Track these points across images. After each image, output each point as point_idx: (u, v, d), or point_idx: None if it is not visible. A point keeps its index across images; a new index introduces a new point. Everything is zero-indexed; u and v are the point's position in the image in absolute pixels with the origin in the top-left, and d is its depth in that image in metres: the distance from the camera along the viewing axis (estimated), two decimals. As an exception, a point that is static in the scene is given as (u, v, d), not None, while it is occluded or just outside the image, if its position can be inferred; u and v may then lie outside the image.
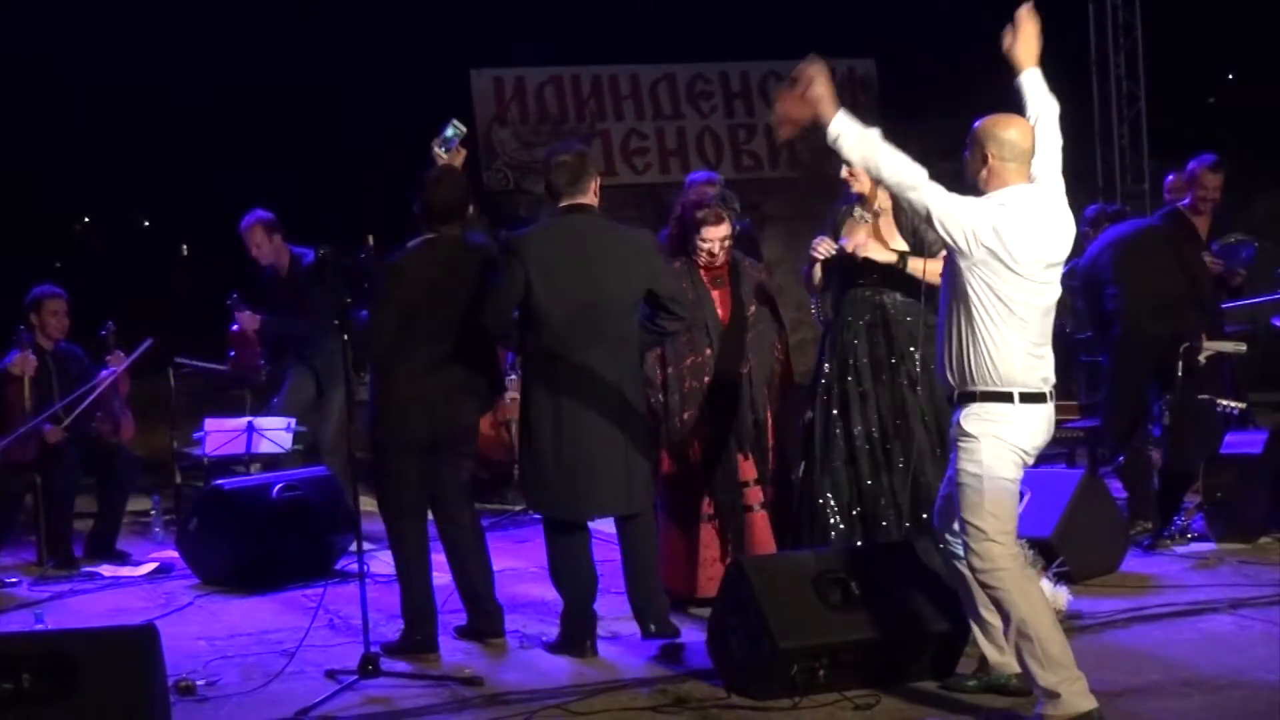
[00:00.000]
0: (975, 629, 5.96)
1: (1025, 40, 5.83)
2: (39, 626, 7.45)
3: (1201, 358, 9.54)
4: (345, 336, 6.73)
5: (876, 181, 5.63)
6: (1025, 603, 5.57)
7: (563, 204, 6.75)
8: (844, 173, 6.73)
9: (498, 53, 14.21)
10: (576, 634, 6.81)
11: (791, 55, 15.82)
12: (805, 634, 6.06)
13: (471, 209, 7.11)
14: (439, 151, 7.20)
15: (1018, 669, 5.80)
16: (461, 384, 6.91)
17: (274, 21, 13.16)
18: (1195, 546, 8.40)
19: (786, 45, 14.65)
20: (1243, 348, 10.43)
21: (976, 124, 5.70)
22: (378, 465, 7.05)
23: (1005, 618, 5.63)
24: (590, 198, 6.76)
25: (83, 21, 12.52)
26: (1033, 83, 5.82)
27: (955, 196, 5.54)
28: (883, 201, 6.76)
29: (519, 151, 14.29)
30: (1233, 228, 14.51)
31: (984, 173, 5.63)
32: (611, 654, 6.81)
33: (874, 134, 5.53)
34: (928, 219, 5.55)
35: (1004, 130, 5.62)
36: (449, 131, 7.24)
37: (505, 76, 14.37)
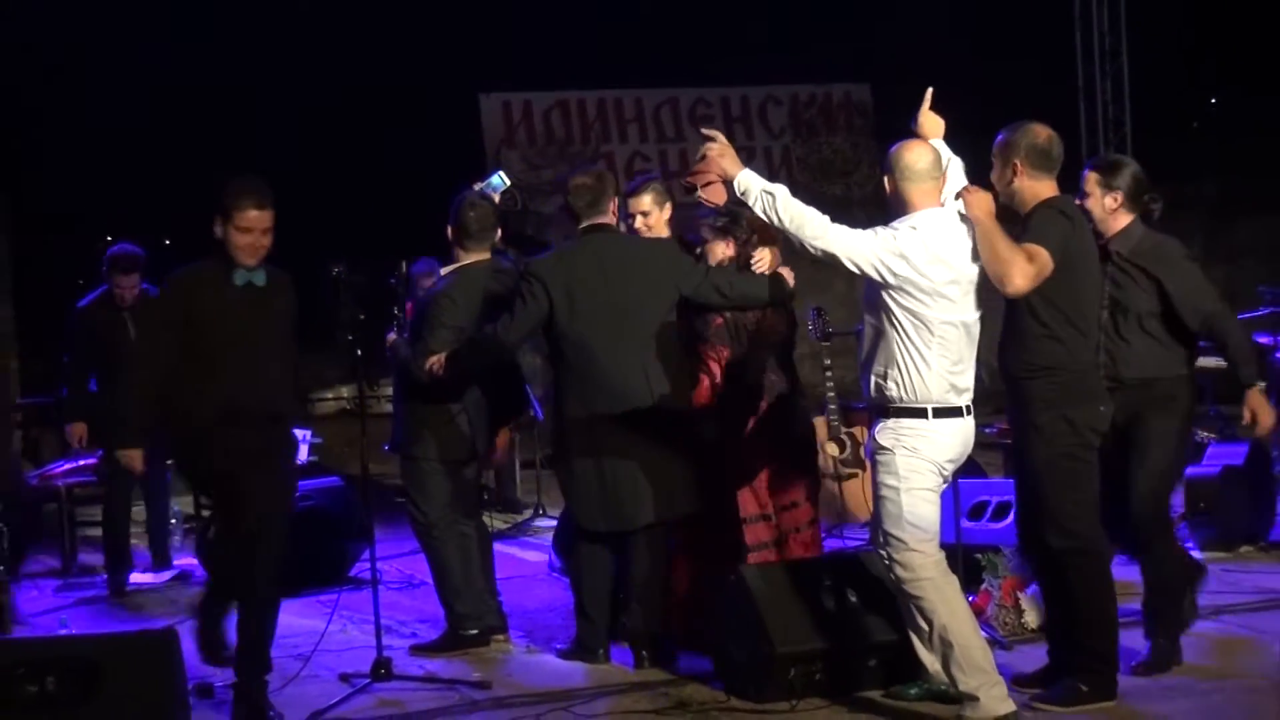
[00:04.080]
0: (914, 638, 5.87)
1: (929, 120, 6.11)
2: (63, 631, 7.48)
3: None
4: (359, 352, 6.79)
5: (781, 232, 5.74)
6: (946, 609, 5.59)
7: (583, 225, 6.73)
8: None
9: (506, 77, 14.24)
10: (592, 641, 6.80)
11: (790, 80, 16.01)
12: (802, 639, 6.08)
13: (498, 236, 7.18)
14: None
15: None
16: (487, 402, 7.11)
17: (291, 46, 13.20)
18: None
19: (785, 71, 14.75)
20: (1224, 363, 10.44)
21: (889, 150, 5.86)
22: (429, 475, 7.09)
23: (929, 625, 5.62)
24: (609, 217, 6.76)
25: (107, 57, 12.57)
26: (941, 149, 6.04)
27: (858, 233, 5.63)
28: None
29: (527, 173, 14.32)
30: (1215, 249, 14.64)
31: (891, 197, 5.75)
32: (616, 658, 6.81)
33: (778, 189, 5.68)
34: (838, 263, 5.61)
35: (905, 153, 5.74)
36: (494, 179, 7.28)
37: (513, 100, 14.40)
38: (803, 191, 5.83)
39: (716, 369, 6.77)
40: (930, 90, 6.16)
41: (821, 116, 14.99)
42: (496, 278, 7.04)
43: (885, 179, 5.77)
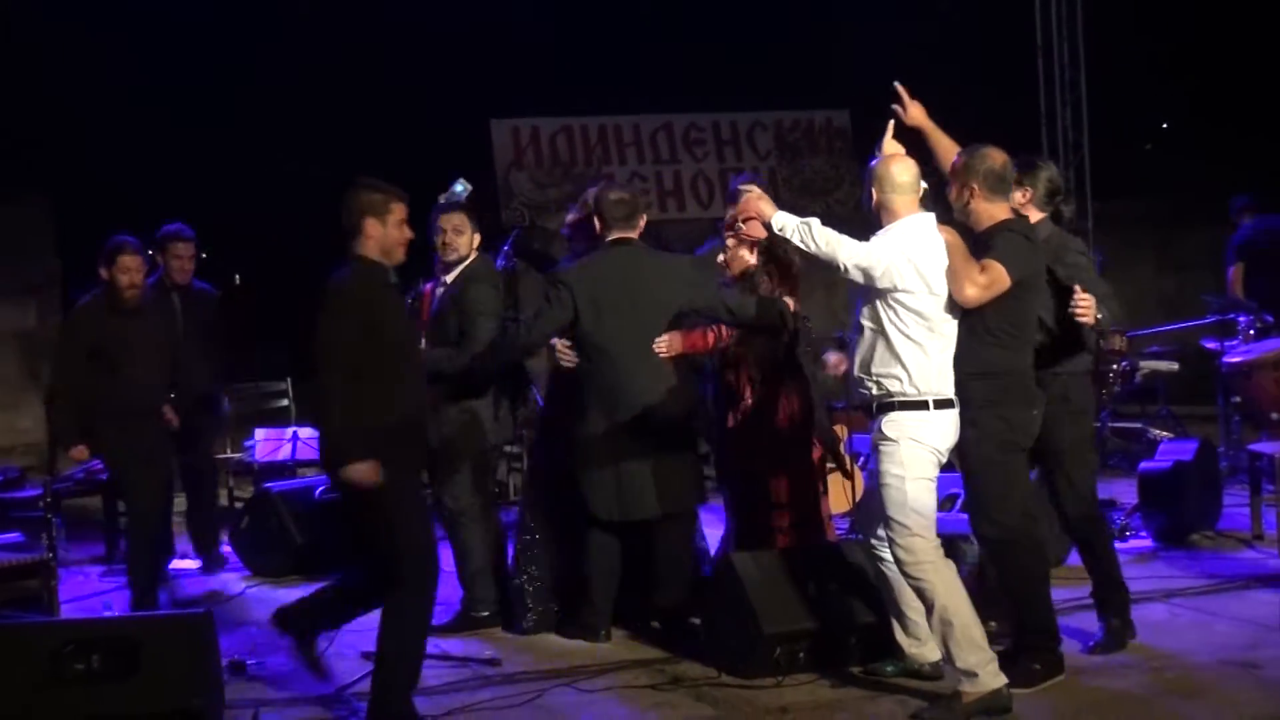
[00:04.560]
0: (894, 622, 5.93)
1: (892, 147, 6.10)
2: (107, 613, 7.47)
3: (1139, 375, 9.58)
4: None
5: (816, 258, 5.72)
6: (947, 592, 5.58)
7: (612, 237, 6.69)
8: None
9: (515, 104, 14.27)
10: (595, 620, 6.80)
11: (775, 107, 15.95)
12: (787, 621, 6.08)
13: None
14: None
15: (931, 658, 5.86)
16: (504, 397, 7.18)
17: (316, 76, 13.23)
18: (1134, 543, 8.41)
19: (770, 98, 14.76)
20: (1175, 366, 10.48)
21: (869, 164, 5.89)
22: (462, 466, 7.08)
23: (929, 606, 5.61)
24: (637, 233, 6.74)
25: (146, 68, 12.55)
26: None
27: (874, 248, 5.62)
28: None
29: (534, 192, 14.34)
30: (1166, 261, 14.64)
31: (875, 207, 5.77)
32: (616, 637, 6.81)
33: (812, 220, 5.68)
34: (870, 277, 5.60)
35: (889, 167, 5.78)
36: (458, 187, 7.23)
37: (522, 126, 14.43)
38: (786, 208, 5.83)
39: (724, 330, 6.75)
40: (892, 122, 6.20)
41: (804, 140, 15.00)
42: (485, 261, 7.13)
43: (872, 190, 5.76)
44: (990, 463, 5.79)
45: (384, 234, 5.61)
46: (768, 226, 5.80)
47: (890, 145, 6.15)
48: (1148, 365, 9.95)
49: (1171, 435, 10.22)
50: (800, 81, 14.11)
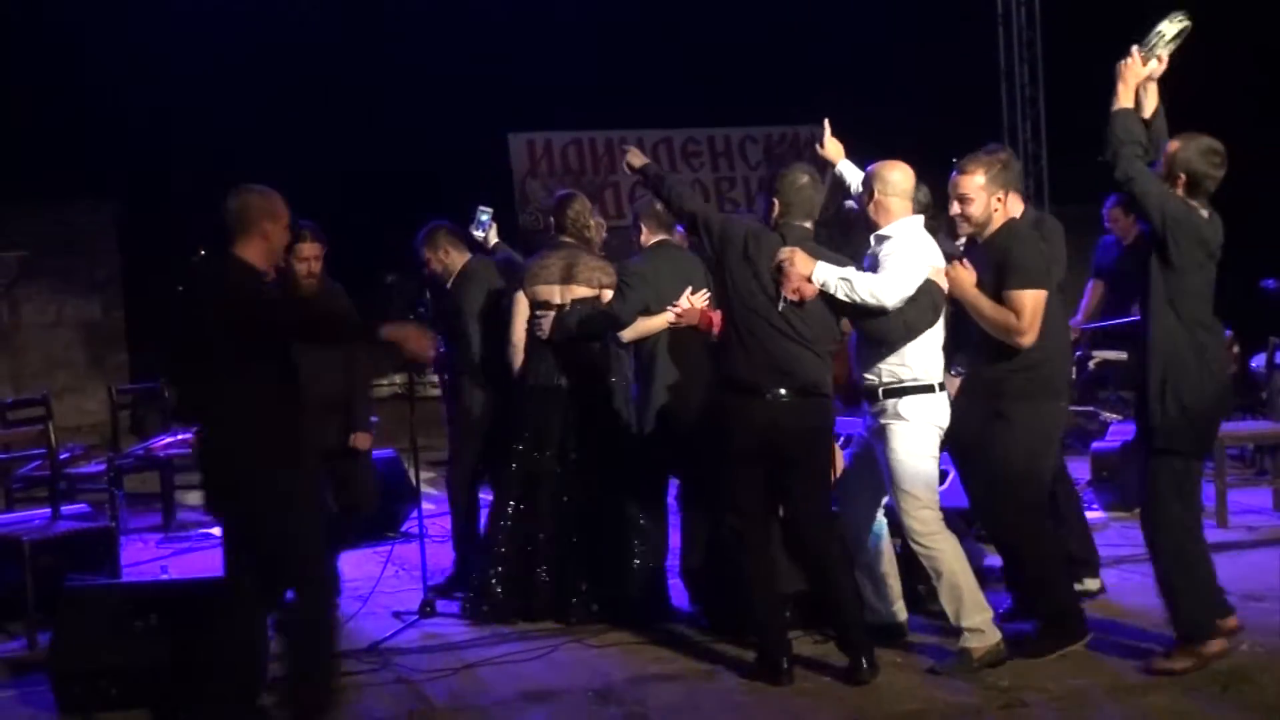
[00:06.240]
0: (868, 585, 5.86)
1: (833, 145, 6.29)
2: (164, 576, 7.47)
3: (1092, 364, 9.57)
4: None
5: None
6: (956, 560, 5.55)
7: (657, 238, 6.65)
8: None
9: (530, 119, 14.26)
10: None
11: (764, 122, 15.83)
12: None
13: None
14: (478, 233, 7.29)
15: (900, 619, 5.86)
16: None
17: (357, 96, 13.23)
18: (1087, 514, 8.37)
19: (760, 114, 14.75)
20: (1124, 356, 10.45)
21: (868, 169, 5.74)
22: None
23: (938, 574, 5.54)
24: (674, 236, 6.69)
25: (202, 73, 12.50)
26: (848, 167, 6.21)
27: (906, 270, 5.42)
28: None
29: (548, 198, 14.29)
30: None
31: (872, 207, 5.60)
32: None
33: (848, 273, 5.44)
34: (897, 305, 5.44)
35: (889, 171, 5.63)
36: (482, 216, 7.31)
37: (536, 139, 14.42)
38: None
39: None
40: (827, 120, 6.25)
41: (790, 152, 14.98)
42: (483, 263, 7.24)
43: (874, 191, 5.59)
44: (1024, 451, 5.55)
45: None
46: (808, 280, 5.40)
47: (831, 144, 6.23)
48: (1100, 355, 9.91)
49: (1120, 418, 10.20)
50: (784, 97, 14.08)
